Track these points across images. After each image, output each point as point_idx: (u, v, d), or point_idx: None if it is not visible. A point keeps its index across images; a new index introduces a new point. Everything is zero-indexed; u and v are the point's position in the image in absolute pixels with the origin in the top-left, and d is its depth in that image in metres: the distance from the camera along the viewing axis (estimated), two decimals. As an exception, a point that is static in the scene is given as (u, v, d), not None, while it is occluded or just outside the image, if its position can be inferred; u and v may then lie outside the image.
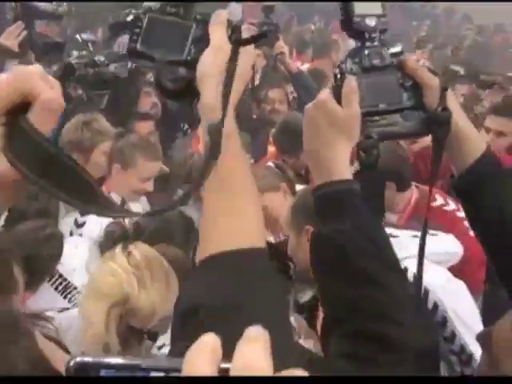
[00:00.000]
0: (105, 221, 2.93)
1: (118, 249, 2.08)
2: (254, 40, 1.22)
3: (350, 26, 1.42)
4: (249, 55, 1.21)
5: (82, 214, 3.36)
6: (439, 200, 3.36)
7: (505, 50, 16.20)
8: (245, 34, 4.13)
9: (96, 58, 4.02)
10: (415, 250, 2.69)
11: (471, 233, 3.27)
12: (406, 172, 3.35)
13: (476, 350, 2.46)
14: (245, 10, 16.04)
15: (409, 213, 3.36)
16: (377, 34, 1.44)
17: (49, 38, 3.90)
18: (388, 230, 2.75)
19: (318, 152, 1.38)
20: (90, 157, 3.76)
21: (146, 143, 3.64)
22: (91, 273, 2.12)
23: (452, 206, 3.35)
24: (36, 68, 0.88)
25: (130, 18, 1.25)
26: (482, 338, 1.46)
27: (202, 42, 1.20)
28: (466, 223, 3.28)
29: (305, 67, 6.30)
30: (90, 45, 4.01)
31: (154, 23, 1.23)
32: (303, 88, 4.82)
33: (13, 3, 3.59)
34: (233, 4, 15.91)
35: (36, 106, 0.85)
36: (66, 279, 2.62)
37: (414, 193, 3.39)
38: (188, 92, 1.22)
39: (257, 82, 5.38)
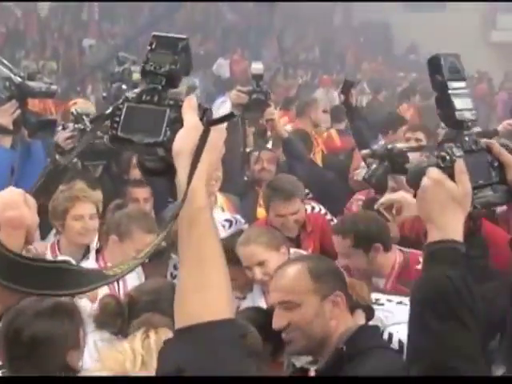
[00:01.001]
0: (100, 292, 2.99)
1: (140, 331, 2.13)
2: (222, 121, 1.38)
3: (454, 118, 1.82)
4: (219, 133, 1.37)
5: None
6: None
7: (490, 97, 16.50)
8: (236, 101, 4.23)
9: (90, 130, 4.13)
10: (400, 317, 2.80)
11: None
12: (388, 234, 3.49)
13: None
14: (232, 65, 16.33)
15: (394, 277, 3.45)
16: (471, 124, 1.84)
17: (42, 115, 4.00)
18: (375, 296, 2.86)
19: (436, 218, 1.71)
20: (64, 223, 3.90)
21: (143, 215, 3.72)
22: (103, 348, 2.17)
23: None
24: (19, 193, 1.02)
25: (109, 110, 1.40)
26: None
27: (176, 124, 1.35)
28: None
29: (288, 127, 6.37)
30: (84, 118, 4.11)
31: (132, 111, 1.38)
32: (292, 153, 4.91)
33: (6, 83, 3.70)
34: (220, 60, 16.22)
35: (2, 225, 0.99)
36: None
37: (397, 256, 3.49)
38: (168, 170, 1.37)
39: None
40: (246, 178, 5.13)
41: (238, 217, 4.34)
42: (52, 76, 13.80)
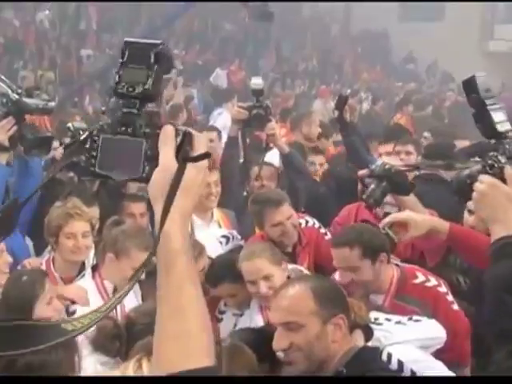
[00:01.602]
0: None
1: (134, 360, 2.10)
2: (197, 159, 1.33)
3: (495, 130, 2.06)
4: (197, 169, 1.32)
5: (73, 302, 3.39)
6: (420, 277, 3.43)
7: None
8: (236, 117, 4.20)
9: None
10: (399, 337, 2.78)
11: (454, 306, 3.39)
12: (388, 244, 3.46)
13: None
14: (230, 76, 16.32)
15: (392, 293, 3.41)
16: (508, 134, 2.09)
17: (38, 132, 3.97)
18: (374, 316, 2.84)
19: (500, 217, 1.93)
20: (58, 240, 3.89)
21: (139, 233, 3.67)
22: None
23: (433, 281, 3.42)
24: None
25: (83, 136, 1.37)
26: None
27: (154, 158, 1.32)
28: (449, 297, 3.40)
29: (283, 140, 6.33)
30: (81, 132, 4.09)
31: (108, 144, 1.34)
32: (293, 167, 4.87)
33: (3, 99, 3.68)
34: (218, 70, 16.21)
35: None
36: None
37: (394, 271, 3.46)
38: None
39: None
40: (245, 193, 5.10)
41: (235, 233, 4.32)
42: (50, 86, 13.78)
